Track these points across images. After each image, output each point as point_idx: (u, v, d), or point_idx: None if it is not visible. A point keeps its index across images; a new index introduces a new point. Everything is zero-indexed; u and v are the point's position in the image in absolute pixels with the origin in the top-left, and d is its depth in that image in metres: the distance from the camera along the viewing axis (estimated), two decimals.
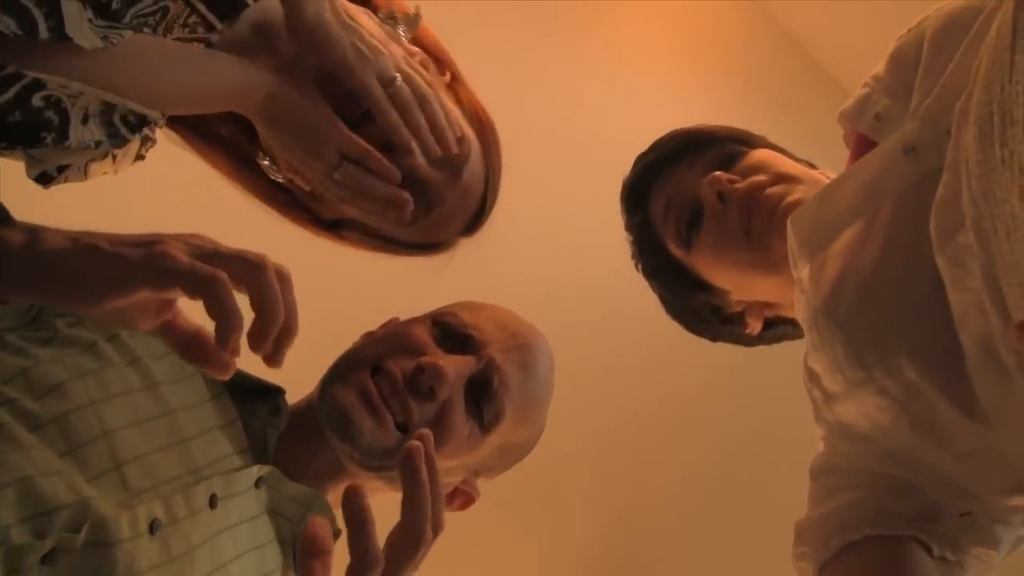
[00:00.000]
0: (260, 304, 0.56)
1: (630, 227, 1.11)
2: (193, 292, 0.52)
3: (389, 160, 0.80)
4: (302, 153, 0.78)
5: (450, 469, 0.89)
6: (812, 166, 1.06)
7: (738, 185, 0.96)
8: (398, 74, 0.77)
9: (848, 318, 0.79)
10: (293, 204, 0.93)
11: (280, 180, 0.89)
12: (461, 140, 0.85)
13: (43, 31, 0.58)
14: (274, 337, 0.59)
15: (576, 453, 2.17)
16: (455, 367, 0.85)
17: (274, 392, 0.85)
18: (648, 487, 2.34)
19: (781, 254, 0.92)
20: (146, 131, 0.79)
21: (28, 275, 0.53)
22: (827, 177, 1.01)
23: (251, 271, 0.56)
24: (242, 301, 0.59)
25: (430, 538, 0.68)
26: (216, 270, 0.53)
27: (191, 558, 0.66)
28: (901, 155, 0.78)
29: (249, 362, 0.68)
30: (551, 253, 2.18)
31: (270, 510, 0.78)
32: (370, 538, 0.62)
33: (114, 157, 0.81)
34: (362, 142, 0.78)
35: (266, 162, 0.87)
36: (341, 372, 0.86)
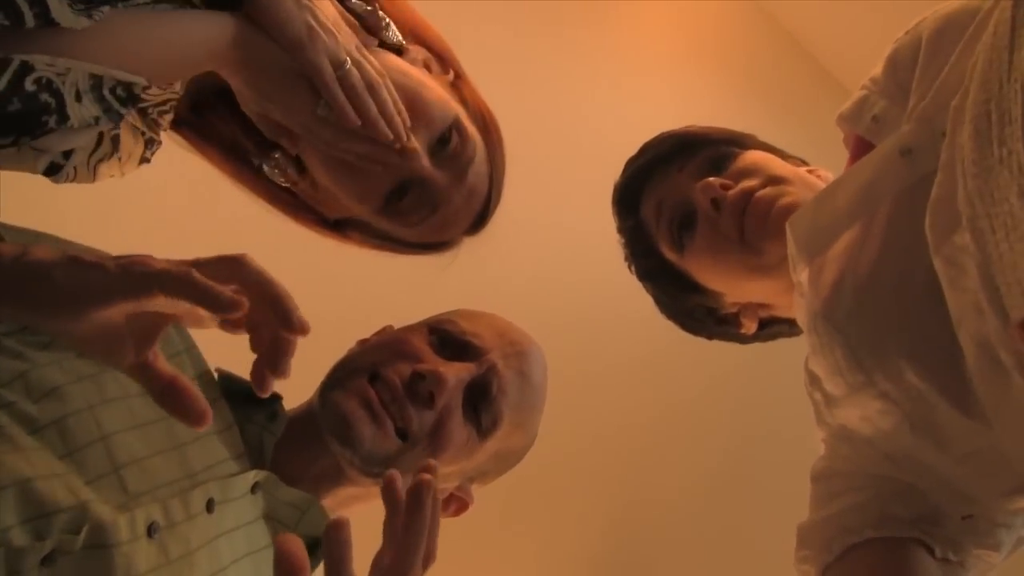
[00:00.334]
0: (252, 286, 0.56)
1: (622, 230, 1.11)
2: (170, 291, 0.52)
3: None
4: (280, 94, 0.77)
5: (447, 475, 0.89)
6: (803, 162, 1.06)
7: (731, 191, 0.96)
8: (348, 58, 0.77)
9: (847, 321, 0.79)
10: (298, 204, 0.93)
11: (280, 181, 0.89)
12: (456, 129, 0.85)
13: (29, 20, 0.59)
14: (282, 322, 0.58)
15: (578, 454, 2.17)
16: (455, 373, 0.85)
17: (271, 398, 0.85)
18: (650, 488, 2.34)
19: (776, 257, 0.92)
20: (146, 121, 0.79)
21: (14, 286, 0.53)
22: (818, 175, 1.01)
23: (232, 264, 0.57)
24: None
25: (420, 573, 0.67)
26: (190, 268, 0.53)
27: (189, 561, 0.67)
28: (898, 157, 0.78)
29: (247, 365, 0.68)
30: (554, 253, 2.18)
31: (267, 515, 0.79)
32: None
33: (119, 159, 0.81)
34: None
35: (267, 167, 0.87)
36: (340, 378, 0.86)
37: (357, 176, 0.85)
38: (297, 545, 0.56)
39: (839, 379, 0.81)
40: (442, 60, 0.92)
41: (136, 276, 0.53)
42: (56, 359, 0.65)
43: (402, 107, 0.81)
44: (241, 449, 0.79)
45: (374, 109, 0.78)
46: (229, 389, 0.82)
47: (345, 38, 0.79)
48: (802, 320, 0.86)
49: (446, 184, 0.87)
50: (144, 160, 0.85)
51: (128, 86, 0.68)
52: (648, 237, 1.06)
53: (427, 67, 0.90)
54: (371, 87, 0.78)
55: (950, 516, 0.81)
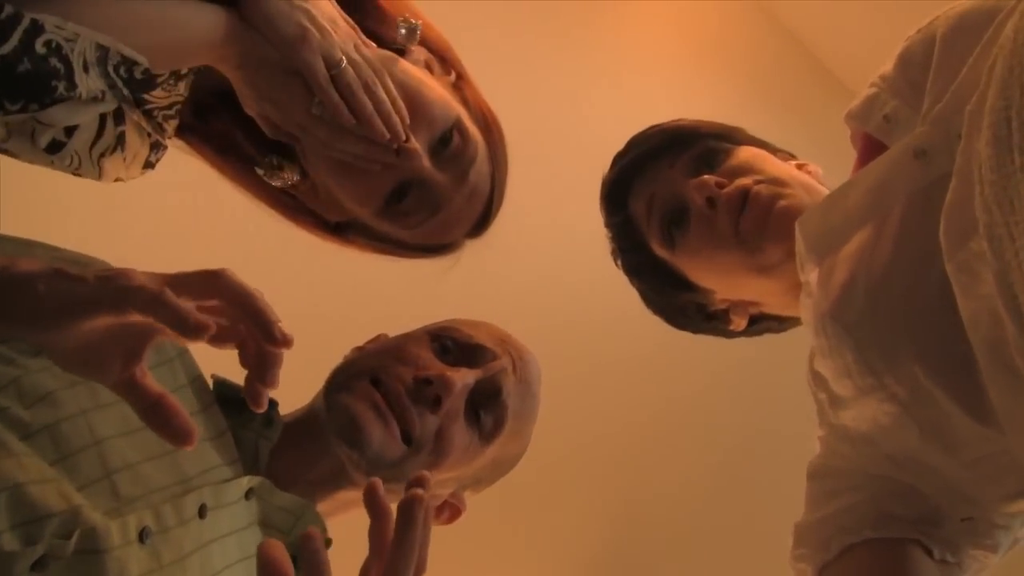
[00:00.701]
0: (233, 301, 0.56)
1: (610, 225, 1.09)
2: (140, 308, 0.52)
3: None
4: (275, 92, 0.77)
5: (444, 481, 0.90)
6: (791, 156, 1.04)
7: (726, 190, 0.94)
8: (344, 57, 0.77)
9: (858, 324, 0.78)
10: (298, 208, 0.93)
11: (279, 184, 0.89)
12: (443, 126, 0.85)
13: None
14: (264, 336, 0.57)
15: (578, 453, 2.17)
16: (461, 377, 0.86)
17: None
18: (650, 487, 2.34)
19: (774, 258, 0.91)
20: (152, 123, 0.79)
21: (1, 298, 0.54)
22: (808, 171, 1.00)
23: (212, 279, 0.56)
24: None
25: None
26: (163, 287, 0.53)
27: (182, 566, 0.67)
28: (911, 159, 0.77)
29: (239, 375, 0.68)
30: (554, 253, 2.18)
31: (262, 522, 0.79)
32: None
33: (124, 158, 0.82)
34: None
35: (267, 169, 0.87)
36: (343, 382, 0.86)
37: (357, 177, 0.85)
38: (280, 551, 0.56)
39: (847, 381, 0.81)
40: (444, 61, 0.92)
41: (113, 290, 0.53)
42: (49, 365, 0.65)
43: (401, 106, 0.81)
44: (235, 455, 0.79)
45: (369, 108, 0.78)
46: (224, 395, 0.82)
47: (342, 36, 0.78)
48: (808, 321, 0.86)
49: (447, 185, 0.86)
50: (148, 165, 0.85)
51: (131, 67, 0.68)
52: (637, 232, 1.04)
53: (428, 68, 0.89)
54: (367, 86, 0.78)
55: (949, 517, 0.81)
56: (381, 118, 0.79)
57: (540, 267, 2.15)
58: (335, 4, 0.82)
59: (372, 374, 0.85)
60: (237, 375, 0.72)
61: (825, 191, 0.96)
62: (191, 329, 0.52)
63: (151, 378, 0.55)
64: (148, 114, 0.78)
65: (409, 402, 0.83)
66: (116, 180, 0.84)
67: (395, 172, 0.84)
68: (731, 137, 1.03)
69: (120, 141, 0.78)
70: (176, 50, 0.73)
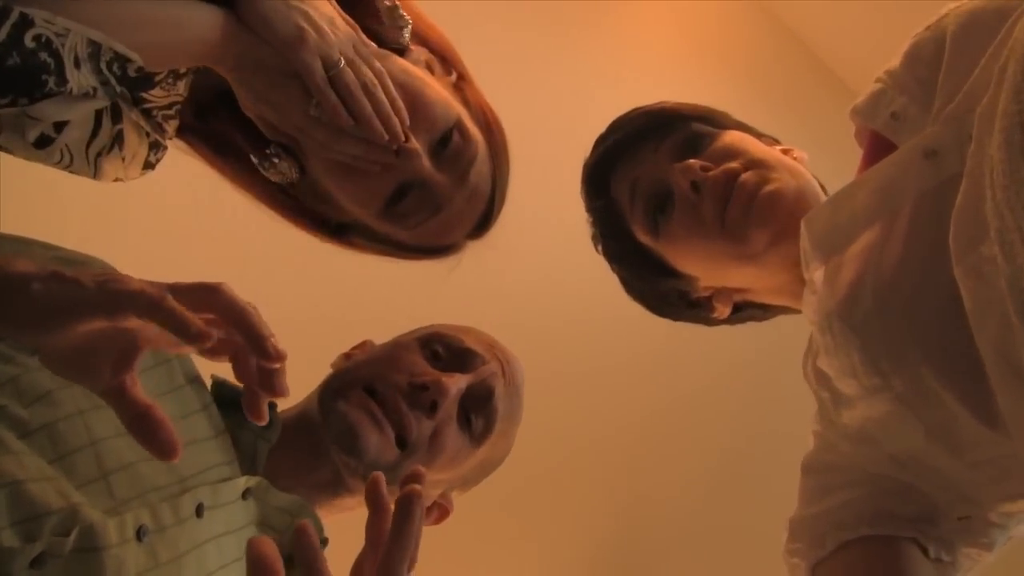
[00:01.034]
0: (227, 316, 0.56)
1: (591, 210, 1.06)
2: (141, 312, 0.52)
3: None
4: (272, 94, 0.77)
5: (436, 483, 0.92)
6: (776, 141, 1.02)
7: (712, 173, 0.92)
8: (342, 58, 0.77)
9: (865, 324, 0.77)
10: (298, 209, 0.93)
11: (276, 179, 0.89)
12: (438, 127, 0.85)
13: None
14: (258, 353, 0.58)
15: (579, 453, 2.18)
16: (455, 383, 0.88)
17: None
18: (651, 487, 2.35)
19: (759, 245, 0.90)
20: (151, 123, 0.78)
21: None
22: (794, 156, 0.98)
23: (208, 293, 0.56)
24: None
25: None
26: (164, 292, 0.53)
27: (178, 564, 0.68)
28: (921, 159, 0.76)
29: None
30: (555, 253, 2.18)
31: (260, 522, 0.79)
32: None
33: (123, 158, 0.82)
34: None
35: (267, 169, 0.87)
36: (339, 389, 0.88)
37: (357, 178, 0.85)
38: (270, 547, 0.56)
39: (852, 380, 0.80)
40: (444, 60, 0.92)
41: (110, 293, 0.53)
42: None
43: (401, 107, 0.80)
44: (233, 455, 0.79)
45: (368, 109, 0.78)
46: (222, 396, 0.83)
47: (341, 36, 0.78)
48: (812, 318, 0.85)
49: (447, 185, 0.86)
50: (148, 166, 0.85)
51: (124, 64, 0.68)
52: (620, 218, 1.01)
53: (429, 68, 0.89)
54: (366, 87, 0.78)
55: (946, 516, 0.81)
56: (380, 119, 0.78)
57: (541, 267, 2.15)
58: (334, 3, 0.81)
59: (367, 382, 0.87)
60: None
61: (811, 176, 0.95)
62: (193, 336, 0.52)
63: (140, 388, 0.54)
64: (147, 113, 0.78)
65: (406, 408, 0.85)
66: (116, 180, 0.83)
67: (395, 173, 0.84)
68: (715, 120, 1.01)
69: (118, 140, 0.77)
70: (170, 49, 0.72)
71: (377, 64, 0.80)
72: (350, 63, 0.77)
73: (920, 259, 0.75)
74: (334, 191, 0.88)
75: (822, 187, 0.96)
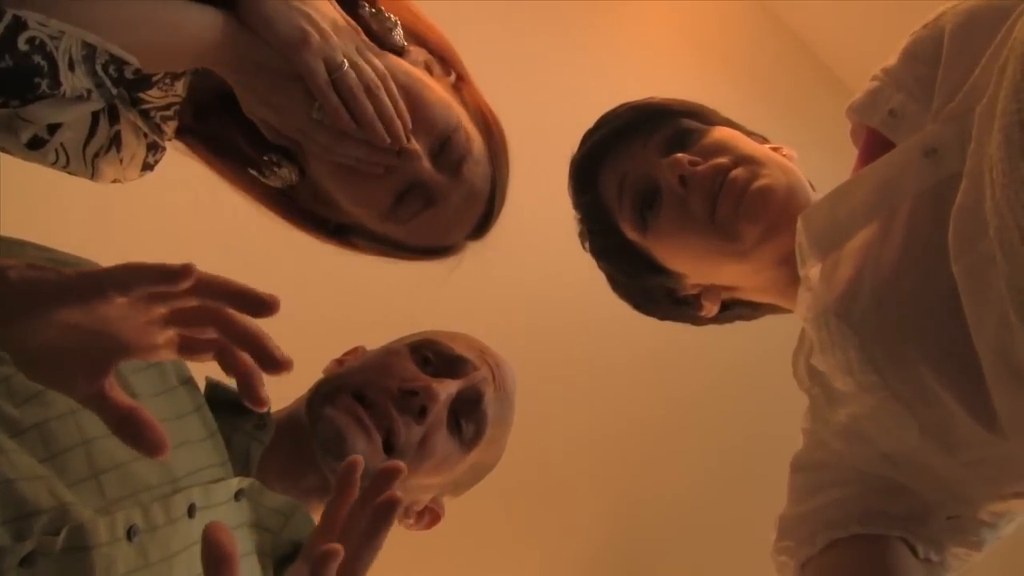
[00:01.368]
0: (202, 290, 0.56)
1: (578, 206, 1.05)
2: (121, 282, 0.51)
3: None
4: (274, 97, 0.76)
5: (428, 487, 0.93)
6: (765, 139, 1.02)
7: (700, 168, 0.91)
8: (345, 60, 0.76)
9: (863, 321, 0.77)
10: (298, 210, 0.93)
11: (277, 184, 0.89)
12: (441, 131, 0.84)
13: None
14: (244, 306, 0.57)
15: (580, 454, 2.17)
16: (444, 388, 0.89)
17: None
18: (651, 488, 2.34)
19: (749, 241, 0.89)
20: (149, 124, 0.78)
21: None
22: (784, 154, 0.98)
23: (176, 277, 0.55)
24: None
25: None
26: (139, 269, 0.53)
27: (169, 564, 0.68)
28: (921, 157, 0.76)
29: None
30: (557, 254, 2.17)
31: (254, 523, 0.80)
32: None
33: (120, 160, 0.82)
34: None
35: (266, 171, 0.87)
36: (327, 395, 0.88)
37: (359, 181, 0.84)
38: (225, 534, 0.55)
39: (848, 378, 0.80)
40: (444, 62, 0.91)
41: (88, 276, 0.53)
42: None
43: (403, 109, 0.80)
44: (225, 456, 0.80)
45: (371, 111, 0.77)
46: (215, 398, 0.83)
47: (344, 39, 0.78)
48: (805, 315, 0.84)
49: (447, 186, 0.86)
50: (147, 167, 0.85)
51: (120, 66, 0.67)
52: (607, 213, 1.00)
53: (428, 69, 0.89)
54: (369, 89, 0.77)
55: (937, 515, 0.82)
56: (383, 122, 0.78)
57: (542, 268, 2.15)
58: (335, 5, 0.81)
59: (356, 388, 0.87)
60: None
61: (801, 174, 0.94)
62: (176, 273, 0.51)
63: (120, 391, 0.54)
64: (144, 114, 0.78)
65: (396, 413, 0.86)
66: (114, 181, 0.84)
67: (397, 176, 0.83)
68: (704, 116, 1.00)
69: (115, 141, 0.78)
70: (169, 52, 0.72)
71: (380, 66, 0.80)
72: (353, 65, 0.77)
73: (919, 257, 0.75)
74: (336, 193, 0.88)
75: (812, 186, 0.96)
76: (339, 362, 0.98)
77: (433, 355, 0.92)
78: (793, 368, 0.91)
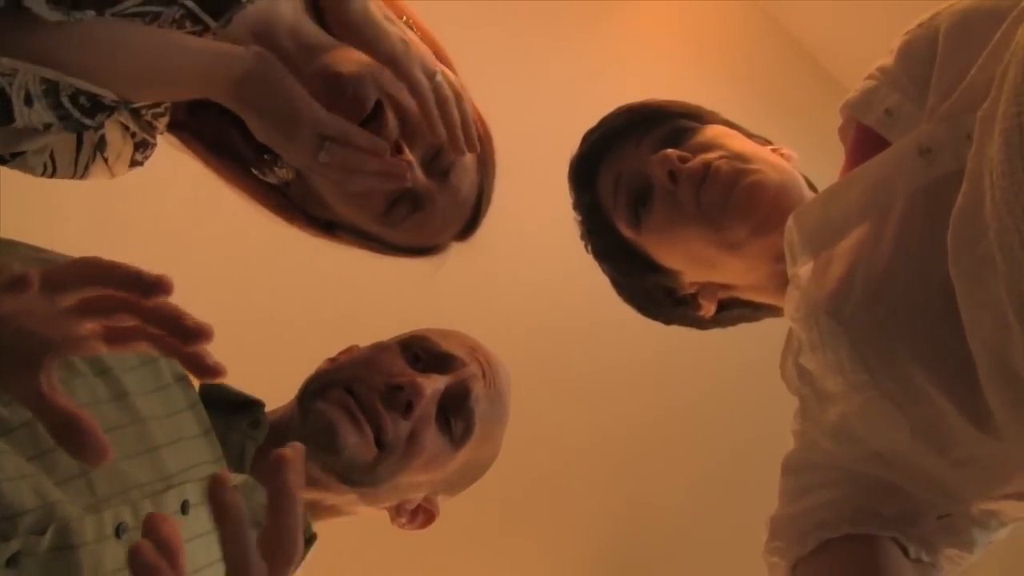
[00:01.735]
0: (102, 279, 0.54)
1: (578, 206, 1.07)
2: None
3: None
4: (280, 138, 0.76)
5: (419, 485, 0.93)
6: (767, 141, 1.02)
7: (689, 164, 0.92)
8: (438, 69, 0.78)
9: (854, 319, 0.77)
10: (288, 205, 0.93)
11: (272, 181, 0.89)
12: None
13: None
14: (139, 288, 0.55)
15: (580, 456, 2.17)
16: (431, 384, 0.89)
17: (253, 405, 0.88)
18: (652, 490, 2.34)
19: (739, 235, 0.90)
20: (139, 122, 0.78)
21: None
22: (782, 154, 0.98)
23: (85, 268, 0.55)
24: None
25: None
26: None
27: None
28: (915, 156, 0.76)
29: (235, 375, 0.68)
30: (552, 255, 2.17)
31: (248, 520, 0.78)
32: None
33: (106, 160, 0.82)
34: (341, 119, 0.75)
35: (259, 167, 0.87)
36: (318, 390, 0.88)
37: (354, 193, 0.86)
38: (169, 526, 0.54)
39: (839, 377, 0.80)
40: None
41: (10, 275, 0.52)
42: None
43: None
44: (219, 453, 0.80)
45: (459, 121, 0.79)
46: (210, 397, 0.83)
47: (422, 51, 0.80)
48: (794, 315, 0.84)
49: (435, 192, 0.87)
50: (136, 163, 0.85)
51: (93, 96, 0.66)
52: (604, 213, 1.02)
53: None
54: (458, 96, 0.80)
55: (927, 515, 0.81)
56: (465, 128, 0.80)
57: (542, 269, 2.15)
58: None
59: (345, 384, 0.88)
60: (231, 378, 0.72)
61: (797, 174, 0.95)
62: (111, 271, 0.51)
63: (61, 394, 0.51)
64: (135, 113, 0.78)
65: (383, 408, 0.86)
66: (101, 176, 0.84)
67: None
68: (700, 116, 1.01)
69: (99, 146, 0.78)
70: (167, 87, 0.72)
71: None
72: (442, 74, 0.79)
73: (912, 256, 0.75)
74: (329, 197, 0.89)
75: (812, 187, 0.96)
76: (332, 360, 0.98)
77: (423, 352, 0.92)
78: (781, 369, 0.91)
